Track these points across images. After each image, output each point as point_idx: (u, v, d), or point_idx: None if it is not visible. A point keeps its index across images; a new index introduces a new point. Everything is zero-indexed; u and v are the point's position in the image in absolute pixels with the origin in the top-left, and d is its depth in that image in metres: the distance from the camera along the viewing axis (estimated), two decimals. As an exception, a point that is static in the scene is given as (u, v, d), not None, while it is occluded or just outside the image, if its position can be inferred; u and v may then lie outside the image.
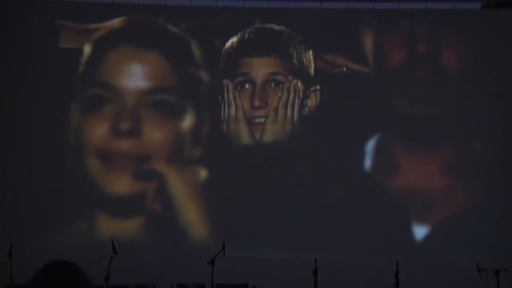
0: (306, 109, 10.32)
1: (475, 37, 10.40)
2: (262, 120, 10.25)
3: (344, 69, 10.33)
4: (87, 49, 10.21)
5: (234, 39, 10.38)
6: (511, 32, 10.43)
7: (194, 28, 10.35)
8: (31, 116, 10.05)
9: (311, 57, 10.36)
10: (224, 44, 10.36)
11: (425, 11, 10.50)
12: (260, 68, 10.28)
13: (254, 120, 10.26)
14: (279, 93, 10.26)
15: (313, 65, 10.35)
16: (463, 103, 10.34)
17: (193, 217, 10.00)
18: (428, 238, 9.93)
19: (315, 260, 8.03)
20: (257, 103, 10.24)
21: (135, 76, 10.19)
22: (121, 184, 9.97)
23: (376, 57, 10.33)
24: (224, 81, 10.24)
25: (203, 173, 10.10)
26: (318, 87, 10.32)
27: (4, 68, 10.13)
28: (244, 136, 10.23)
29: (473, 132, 10.30)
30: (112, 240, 6.92)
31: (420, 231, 9.93)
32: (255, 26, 10.44)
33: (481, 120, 10.29)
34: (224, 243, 7.89)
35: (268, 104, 10.26)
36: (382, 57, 10.36)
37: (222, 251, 7.84)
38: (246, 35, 10.42)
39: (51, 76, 10.04)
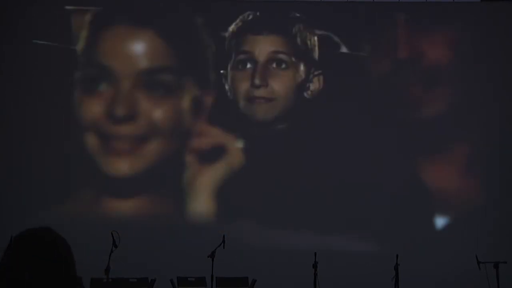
0: (309, 92, 10.25)
1: (476, 30, 10.38)
2: (262, 100, 10.17)
3: (347, 55, 10.28)
4: (82, 30, 10.23)
5: (238, 18, 10.35)
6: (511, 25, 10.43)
7: (196, 8, 10.36)
8: (31, 102, 10.13)
9: (316, 41, 10.31)
10: (228, 23, 10.33)
11: (425, 3, 10.49)
12: (263, 46, 10.24)
13: (253, 100, 10.18)
14: (282, 75, 10.19)
15: (317, 50, 10.30)
16: (467, 97, 10.30)
17: (191, 206, 9.98)
18: (427, 231, 9.92)
19: (315, 254, 8.04)
20: (257, 81, 10.18)
21: (132, 55, 10.17)
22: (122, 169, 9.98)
23: (377, 49, 10.31)
24: (222, 71, 10.22)
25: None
26: (321, 71, 10.27)
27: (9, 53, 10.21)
28: (243, 116, 10.15)
29: (473, 127, 10.26)
30: (111, 233, 6.90)
31: (419, 224, 9.92)
32: (260, 7, 10.41)
33: (482, 115, 10.25)
34: (224, 236, 7.89)
35: (268, 84, 10.19)
36: (383, 50, 10.33)
37: (222, 244, 7.83)
38: (251, 15, 10.38)
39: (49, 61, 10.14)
